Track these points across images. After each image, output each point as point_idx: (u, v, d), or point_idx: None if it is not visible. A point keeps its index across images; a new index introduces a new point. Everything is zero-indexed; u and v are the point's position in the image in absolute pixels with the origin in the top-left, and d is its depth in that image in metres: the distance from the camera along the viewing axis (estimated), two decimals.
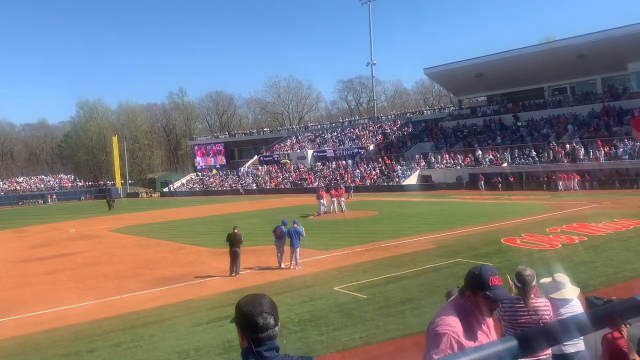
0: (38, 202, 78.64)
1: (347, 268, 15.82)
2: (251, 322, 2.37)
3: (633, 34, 46.13)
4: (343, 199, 35.96)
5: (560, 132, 50.09)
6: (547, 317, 4.96)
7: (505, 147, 51.28)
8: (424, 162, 56.12)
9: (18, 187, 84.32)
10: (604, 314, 1.89)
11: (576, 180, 41.69)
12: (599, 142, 44.46)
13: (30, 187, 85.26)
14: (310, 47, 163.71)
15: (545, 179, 44.32)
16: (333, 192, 36.11)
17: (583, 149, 44.97)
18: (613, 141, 43.94)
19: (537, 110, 56.02)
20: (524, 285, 4.99)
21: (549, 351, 4.80)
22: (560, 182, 42.13)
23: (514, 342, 1.63)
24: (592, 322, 1.83)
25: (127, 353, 9.62)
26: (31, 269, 19.48)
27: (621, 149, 42.59)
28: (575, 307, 5.30)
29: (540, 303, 5.05)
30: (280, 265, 16.59)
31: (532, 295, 5.01)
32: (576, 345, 5.10)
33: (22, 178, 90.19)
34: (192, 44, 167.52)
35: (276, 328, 2.42)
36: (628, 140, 42.80)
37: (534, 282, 5.07)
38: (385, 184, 55.37)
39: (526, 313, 4.94)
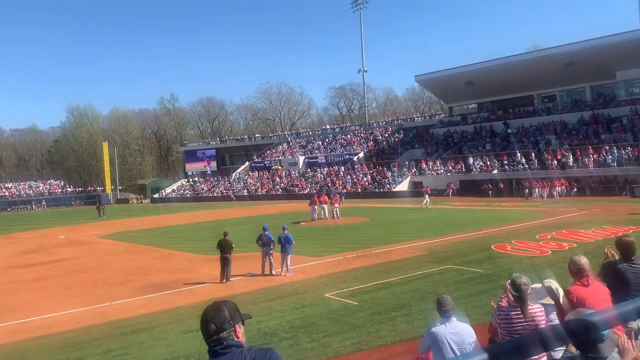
0: (27, 208, 77.98)
1: (338, 274, 15.80)
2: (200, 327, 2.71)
3: (621, 43, 46.68)
4: (337, 205, 35.91)
5: (551, 139, 50.51)
6: (542, 322, 5.00)
7: (495, 154, 51.60)
8: (414, 169, 56.32)
9: (7, 193, 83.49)
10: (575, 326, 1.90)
11: (557, 187, 41.94)
12: (589, 150, 44.93)
13: (19, 193, 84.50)
14: (301, 53, 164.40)
15: (535, 185, 44.54)
16: (324, 198, 36.04)
17: (572, 157, 45.36)
18: (603, 148, 44.33)
19: (527, 117, 56.49)
20: (520, 293, 5.01)
21: (544, 357, 4.83)
22: (536, 190, 42.26)
23: (484, 356, 1.63)
24: (563, 334, 1.85)
25: None
26: (19, 275, 19.28)
27: (610, 157, 42.99)
28: None
29: (536, 309, 5.08)
30: (263, 271, 16.51)
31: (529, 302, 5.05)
32: None
33: (10, 184, 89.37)
34: (184, 50, 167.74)
35: (221, 334, 2.63)
36: (616, 148, 43.26)
37: (530, 290, 5.10)
38: (377, 190, 55.48)
39: (522, 320, 4.97)
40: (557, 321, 5.15)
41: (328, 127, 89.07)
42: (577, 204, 34.09)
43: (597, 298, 5.03)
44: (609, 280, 5.46)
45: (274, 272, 16.37)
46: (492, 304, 5.86)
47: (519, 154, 49.07)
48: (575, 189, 42.50)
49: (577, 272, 5.19)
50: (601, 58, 48.94)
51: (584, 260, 5.25)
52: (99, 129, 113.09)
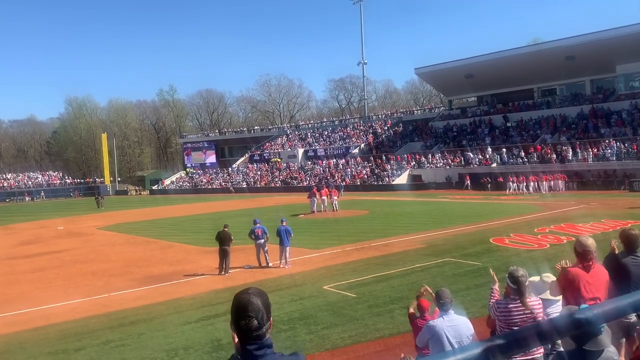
0: (25, 199, 77.97)
1: (336, 267, 15.84)
2: (235, 322, 2.42)
3: (622, 37, 46.52)
4: (336, 197, 35.94)
5: (550, 133, 50.49)
6: (540, 315, 5.02)
7: (495, 147, 51.59)
8: (414, 162, 56.31)
9: (5, 184, 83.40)
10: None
11: (545, 182, 41.53)
12: (579, 144, 44.92)
13: (18, 184, 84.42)
14: (301, 45, 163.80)
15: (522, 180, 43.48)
16: (324, 191, 36.01)
17: (571, 150, 45.35)
18: (602, 142, 44.32)
19: (527, 111, 56.43)
20: (518, 285, 5.02)
21: (541, 350, 4.85)
22: (523, 184, 41.34)
23: (482, 349, 1.63)
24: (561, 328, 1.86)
25: (115, 351, 9.57)
26: (18, 266, 19.31)
27: (609, 151, 42.98)
28: (560, 307, 5.36)
29: (534, 302, 5.10)
30: (260, 264, 16.53)
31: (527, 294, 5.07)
32: None
33: (9, 175, 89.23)
34: (183, 41, 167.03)
35: (262, 329, 2.42)
36: (615, 142, 43.24)
37: (528, 282, 5.12)
38: (376, 183, 55.49)
39: (521, 312, 4.99)
40: (555, 314, 5.16)
41: (331, 119, 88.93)
42: (575, 198, 34.11)
43: (593, 285, 5.02)
44: (611, 272, 5.48)
45: (270, 264, 16.39)
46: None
47: (518, 147, 49.18)
48: (566, 182, 42.18)
49: (583, 254, 5.15)
50: (601, 52, 48.78)
51: (590, 241, 5.20)
52: (98, 120, 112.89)
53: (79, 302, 13.32)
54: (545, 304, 5.33)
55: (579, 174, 43.82)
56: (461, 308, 6.58)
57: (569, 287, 5.12)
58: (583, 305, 2.46)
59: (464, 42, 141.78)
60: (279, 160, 72.35)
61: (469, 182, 47.59)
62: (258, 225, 16.57)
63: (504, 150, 49.92)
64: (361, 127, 73.80)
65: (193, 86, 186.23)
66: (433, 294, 6.04)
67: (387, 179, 55.31)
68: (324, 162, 66.17)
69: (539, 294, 5.45)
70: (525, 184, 41.52)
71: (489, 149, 51.06)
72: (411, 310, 6.69)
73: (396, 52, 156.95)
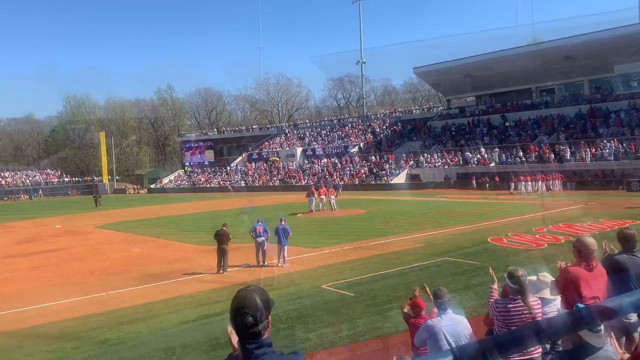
0: (23, 197, 77.82)
1: (334, 266, 15.84)
2: (232, 318, 2.44)
3: (620, 37, 46.58)
4: (333, 196, 35.95)
5: (548, 132, 50.56)
6: (539, 315, 5.03)
7: (493, 147, 51.64)
8: (412, 161, 56.33)
9: (3, 182, 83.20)
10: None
11: (542, 182, 41.35)
12: (583, 144, 44.97)
13: (16, 182, 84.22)
14: (300, 44, 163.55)
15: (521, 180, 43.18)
16: (322, 190, 36.02)
17: (569, 150, 45.40)
18: (600, 142, 44.36)
19: (525, 110, 56.46)
20: (519, 285, 5.03)
21: (539, 349, 4.86)
22: (521, 184, 41.09)
23: (480, 348, 1.64)
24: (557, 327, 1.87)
25: (113, 350, 9.57)
26: (16, 265, 19.27)
27: (607, 150, 43.03)
28: (557, 306, 5.37)
29: (533, 301, 5.11)
30: (258, 263, 16.53)
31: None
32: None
33: (7, 173, 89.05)
34: (182, 40, 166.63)
35: (259, 326, 2.41)
36: (614, 142, 43.29)
37: (527, 281, 5.13)
38: (374, 182, 55.49)
39: (520, 312, 5.00)
40: (552, 314, 5.18)
41: (330, 118, 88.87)
42: (573, 198, 34.13)
43: (592, 285, 5.02)
44: (609, 271, 5.50)
45: (266, 263, 16.41)
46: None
47: (516, 147, 49.25)
48: (564, 181, 42.08)
49: (585, 254, 5.13)
50: (600, 52, 48.83)
51: (591, 241, 5.19)
52: (96, 119, 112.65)
53: (77, 301, 13.31)
54: (543, 303, 5.35)
55: (577, 174, 43.86)
56: (459, 307, 6.59)
57: (568, 287, 5.12)
58: (581, 305, 2.47)
59: (463, 42, 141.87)
60: (277, 159, 72.32)
61: (474, 181, 47.58)
62: (259, 222, 16.61)
63: (497, 150, 50.04)
64: (360, 126, 73.79)
65: (191, 85, 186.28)
66: (430, 294, 6.04)
67: (385, 178, 55.32)
68: (323, 161, 66.18)
69: (536, 293, 5.46)
70: (524, 183, 41.55)
71: (482, 149, 51.13)
72: (405, 310, 6.71)
73: (395, 51, 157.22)
